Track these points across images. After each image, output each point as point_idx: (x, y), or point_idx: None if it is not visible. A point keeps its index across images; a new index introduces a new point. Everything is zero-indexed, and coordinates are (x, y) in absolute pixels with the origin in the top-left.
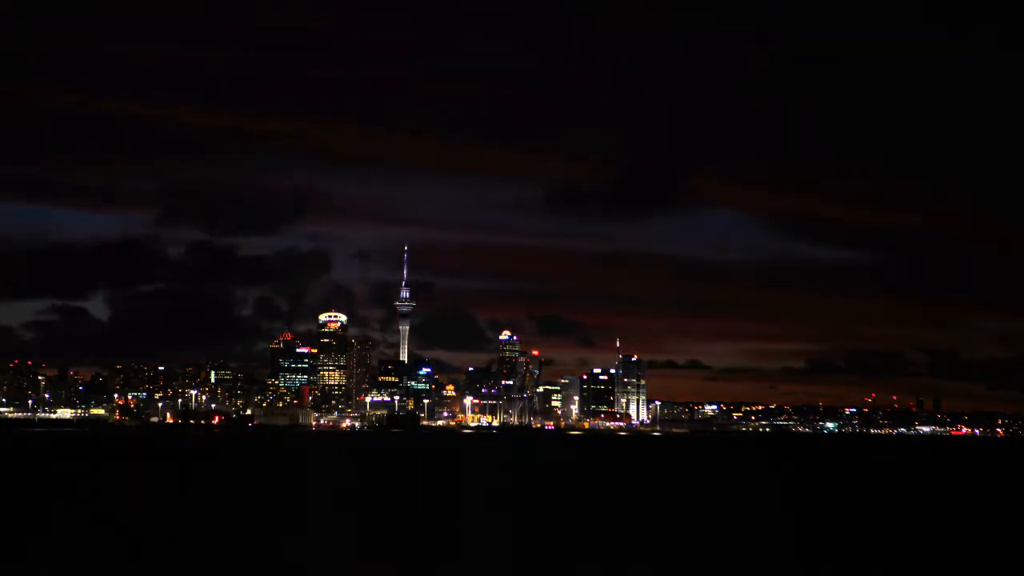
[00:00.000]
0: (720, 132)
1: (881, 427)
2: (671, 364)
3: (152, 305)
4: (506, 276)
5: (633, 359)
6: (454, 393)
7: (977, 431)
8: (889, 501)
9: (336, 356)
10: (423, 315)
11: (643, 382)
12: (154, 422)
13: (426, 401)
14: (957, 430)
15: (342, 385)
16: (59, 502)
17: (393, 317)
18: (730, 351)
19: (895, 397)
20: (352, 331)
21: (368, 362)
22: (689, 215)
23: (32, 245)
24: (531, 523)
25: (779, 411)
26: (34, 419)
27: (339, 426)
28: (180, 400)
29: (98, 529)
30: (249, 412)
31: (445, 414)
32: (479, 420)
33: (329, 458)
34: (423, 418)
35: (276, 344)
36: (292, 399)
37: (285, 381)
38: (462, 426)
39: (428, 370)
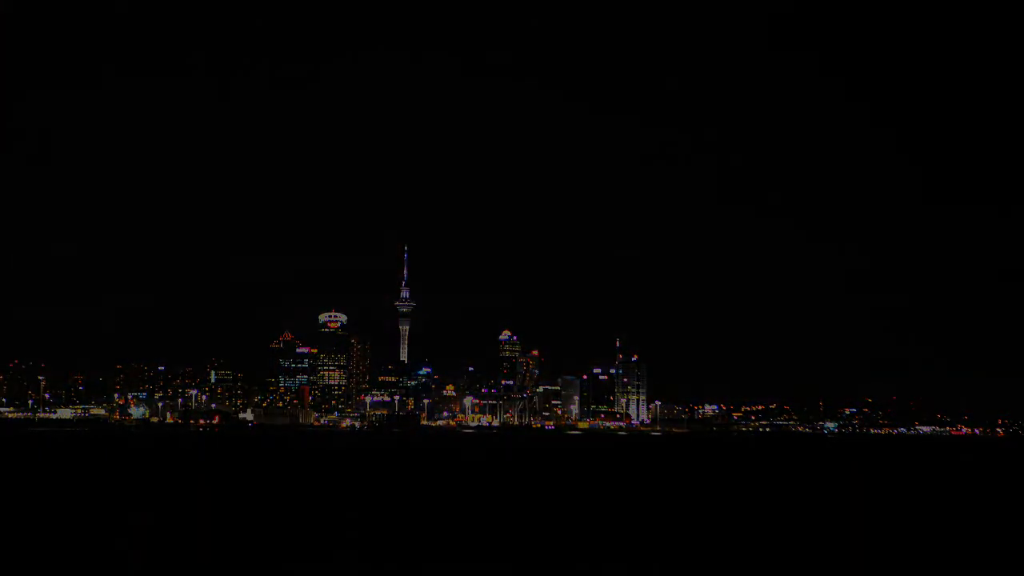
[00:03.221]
0: None
1: (881, 427)
2: None
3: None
4: None
5: (633, 359)
6: (454, 393)
7: (977, 431)
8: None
9: (336, 356)
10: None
11: (643, 382)
12: (154, 422)
13: (426, 401)
14: (957, 430)
15: (342, 385)
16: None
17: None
18: None
19: (894, 397)
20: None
21: (368, 362)
22: None
23: None
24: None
25: (779, 411)
26: (34, 419)
27: (339, 426)
28: (180, 400)
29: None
30: (249, 412)
31: (445, 414)
32: (479, 420)
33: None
34: (423, 418)
35: (276, 344)
36: (292, 399)
37: (285, 381)
38: (463, 426)
39: (428, 370)
